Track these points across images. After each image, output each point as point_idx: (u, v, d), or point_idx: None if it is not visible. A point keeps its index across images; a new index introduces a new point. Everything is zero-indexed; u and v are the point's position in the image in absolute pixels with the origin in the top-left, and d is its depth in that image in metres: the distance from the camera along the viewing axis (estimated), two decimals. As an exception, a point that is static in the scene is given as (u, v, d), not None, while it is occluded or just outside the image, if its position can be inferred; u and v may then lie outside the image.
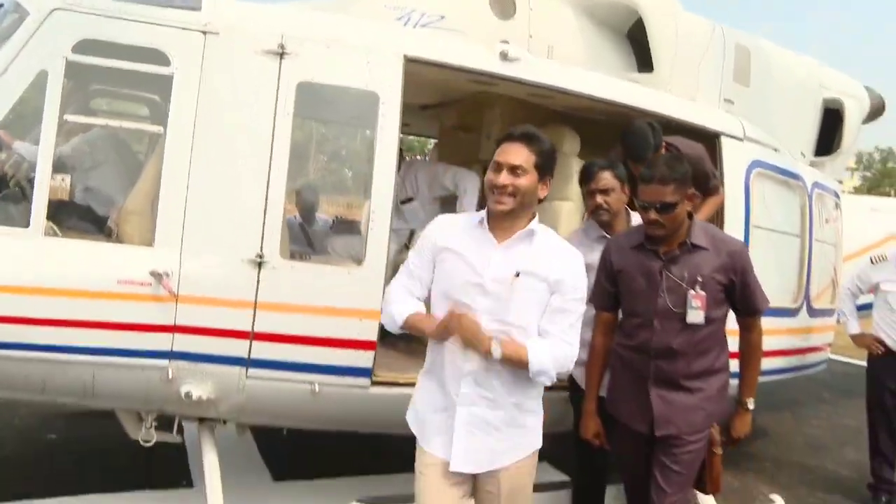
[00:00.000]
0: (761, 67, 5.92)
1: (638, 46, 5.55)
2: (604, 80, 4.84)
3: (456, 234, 2.95)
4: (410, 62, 4.03)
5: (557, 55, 5.07)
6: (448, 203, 5.72)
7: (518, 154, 2.85)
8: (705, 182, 4.62)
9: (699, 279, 3.43)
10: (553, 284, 2.89)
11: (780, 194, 5.67)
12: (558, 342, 2.91)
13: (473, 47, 4.41)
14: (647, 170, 3.47)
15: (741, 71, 5.77)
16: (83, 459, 5.24)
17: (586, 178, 4.05)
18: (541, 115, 5.32)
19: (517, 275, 2.84)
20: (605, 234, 4.02)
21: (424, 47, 4.18)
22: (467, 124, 6.34)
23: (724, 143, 5.12)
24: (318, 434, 5.12)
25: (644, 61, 5.43)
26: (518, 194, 2.84)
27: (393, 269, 3.67)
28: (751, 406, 3.74)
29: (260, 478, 5.20)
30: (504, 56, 4.32)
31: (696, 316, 3.42)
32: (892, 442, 5.44)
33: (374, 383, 4.04)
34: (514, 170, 2.83)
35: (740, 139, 5.27)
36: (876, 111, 7.33)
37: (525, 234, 2.91)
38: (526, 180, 2.85)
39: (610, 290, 3.68)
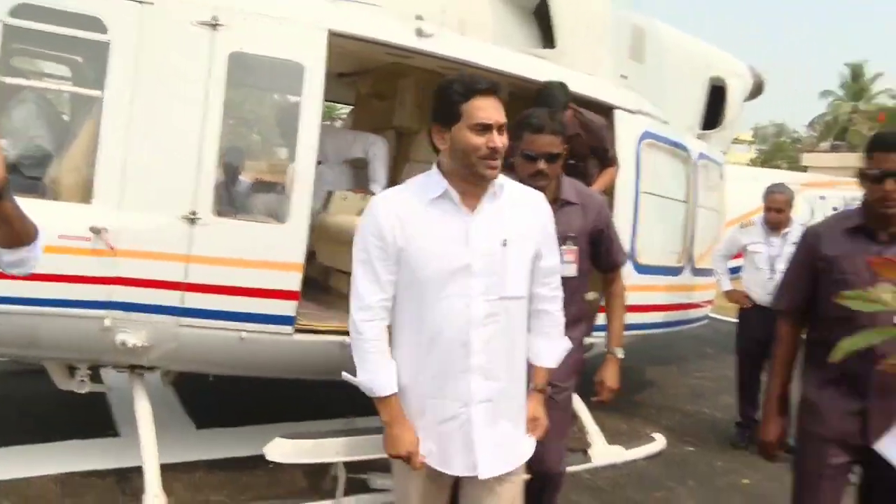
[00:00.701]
0: (655, 46, 6.43)
1: (543, 23, 5.94)
2: (510, 55, 5.23)
3: (414, 214, 2.49)
4: (334, 35, 4.32)
5: (469, 29, 5.41)
6: (358, 167, 6.05)
7: (500, 110, 2.47)
8: (604, 154, 5.05)
9: (571, 235, 3.46)
10: (540, 241, 2.65)
11: (668, 163, 6.21)
12: (559, 308, 2.79)
13: (391, 22, 4.72)
14: (536, 119, 3.36)
15: (636, 49, 6.27)
16: (5, 414, 5.41)
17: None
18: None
19: (504, 243, 2.51)
20: None
21: (347, 22, 4.47)
22: (382, 92, 6.67)
23: (618, 115, 5.61)
24: (238, 385, 5.45)
25: (548, 38, 5.83)
26: (501, 155, 2.50)
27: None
28: (620, 355, 3.69)
29: (184, 427, 5.51)
30: (419, 32, 4.67)
31: (569, 269, 3.40)
32: (756, 384, 6.05)
33: (297, 330, 4.37)
34: (501, 129, 2.47)
35: (633, 112, 5.77)
36: (757, 89, 7.96)
37: (494, 193, 2.54)
38: (506, 137, 2.52)
39: None
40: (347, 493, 4.40)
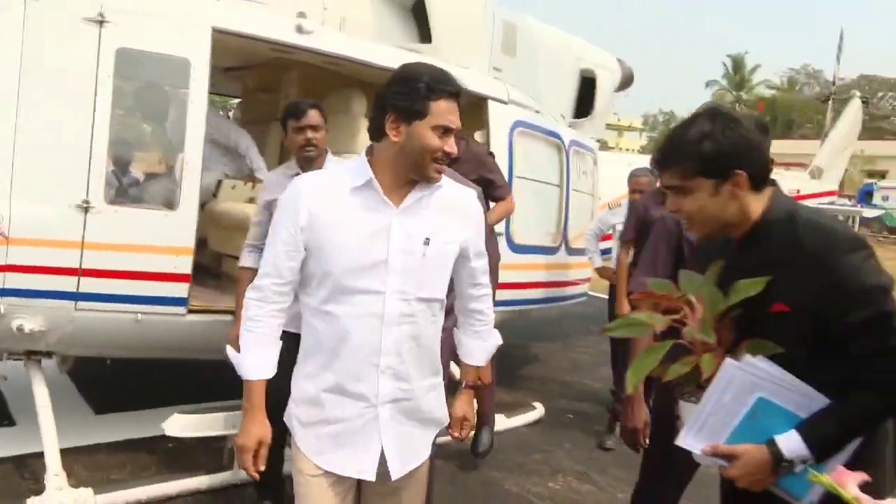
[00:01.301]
0: (526, 41, 6.86)
1: (420, 20, 6.29)
2: (386, 50, 5.55)
3: (334, 202, 2.38)
4: (218, 32, 4.55)
5: (350, 26, 5.72)
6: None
7: (458, 115, 2.39)
8: (492, 185, 5.13)
9: None
10: (469, 242, 2.54)
11: (541, 150, 6.68)
12: (490, 307, 2.75)
13: (274, 19, 4.98)
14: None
15: (509, 44, 6.68)
16: None
17: (295, 115, 4.03)
18: (333, 79, 5.99)
19: (427, 241, 2.40)
20: (299, 171, 3.97)
21: (230, 19, 4.70)
22: (268, 86, 6.90)
23: (491, 105, 6.03)
24: (134, 371, 5.61)
25: (425, 34, 6.17)
26: None
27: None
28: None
29: (82, 413, 5.64)
30: (300, 29, 4.94)
31: None
32: (626, 360, 6.51)
33: (190, 311, 4.61)
34: (458, 134, 2.42)
35: (505, 102, 6.20)
36: (626, 81, 8.53)
37: (425, 189, 2.42)
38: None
39: None
40: None
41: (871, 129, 56.39)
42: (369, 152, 2.43)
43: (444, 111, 2.30)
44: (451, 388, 2.79)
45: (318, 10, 5.52)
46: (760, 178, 2.11)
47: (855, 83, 60.44)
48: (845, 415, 1.99)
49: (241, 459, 2.45)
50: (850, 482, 1.55)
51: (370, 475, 2.44)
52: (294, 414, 2.51)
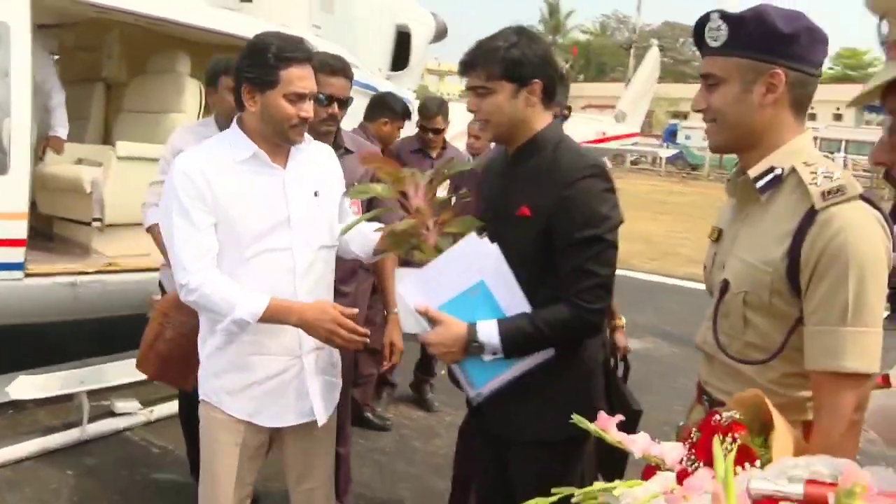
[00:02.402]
0: (344, -1, 7.17)
1: (240, -20, 6.43)
2: (204, 9, 5.67)
3: (225, 175, 2.45)
4: (36, -6, 4.53)
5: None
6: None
7: (313, 79, 2.49)
8: None
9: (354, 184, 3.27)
10: (340, 190, 2.75)
11: (359, 103, 7.01)
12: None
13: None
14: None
15: (326, 1, 6.96)
16: None
17: (230, 73, 3.76)
18: (157, 39, 6.08)
19: (316, 194, 2.57)
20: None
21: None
22: (88, 45, 6.82)
23: (312, 62, 6.28)
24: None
25: (246, -8, 6.35)
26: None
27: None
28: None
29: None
30: (121, -15, 5.00)
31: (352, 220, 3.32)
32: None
33: (27, 275, 4.64)
34: (312, 97, 2.50)
35: (325, 58, 6.47)
36: (440, 33, 8.99)
37: (298, 148, 2.59)
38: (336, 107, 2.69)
39: None
40: (92, 420, 4.68)
41: (675, 73, 60.07)
42: (240, 122, 2.54)
43: (295, 78, 2.39)
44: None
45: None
46: (552, 93, 2.32)
47: (659, 30, 63.97)
48: (539, 321, 2.20)
49: (340, 338, 2.44)
50: (611, 426, 1.66)
51: (309, 416, 2.60)
52: (218, 386, 2.58)
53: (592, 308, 2.22)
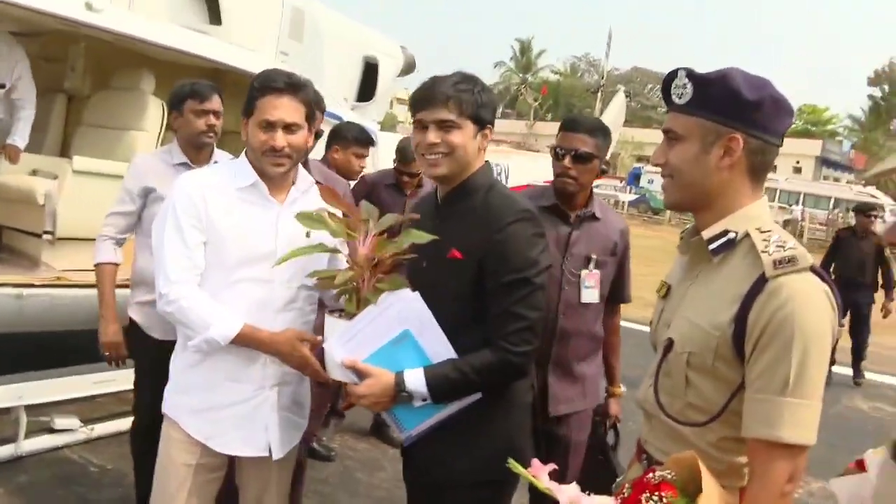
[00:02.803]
0: (313, 27, 7.20)
1: (211, 2, 6.45)
2: (175, 30, 5.68)
3: (223, 199, 2.53)
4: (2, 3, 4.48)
5: (138, 4, 5.79)
6: None
7: (291, 109, 2.50)
8: None
9: (593, 256, 3.28)
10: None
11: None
12: None
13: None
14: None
15: (296, 28, 7.00)
16: None
17: (198, 96, 3.67)
18: (122, 55, 6.06)
19: (308, 234, 2.50)
20: (186, 160, 3.70)
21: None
22: (52, 55, 6.78)
23: (277, 88, 6.31)
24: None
25: (216, 16, 6.35)
26: (294, 154, 2.55)
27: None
28: (623, 390, 3.68)
29: None
30: (89, 6, 4.97)
31: (590, 296, 3.28)
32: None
33: None
34: (290, 128, 2.50)
35: (291, 86, 6.50)
36: (409, 67, 9.08)
37: (303, 188, 2.67)
38: (301, 137, 2.56)
39: None
40: (29, 436, 4.59)
41: (642, 117, 61.01)
42: (246, 153, 2.61)
43: (267, 106, 2.47)
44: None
45: (108, -14, 5.58)
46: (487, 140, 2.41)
47: (628, 74, 65.04)
48: (466, 366, 2.23)
49: (312, 367, 2.50)
50: (542, 474, 1.67)
51: (264, 451, 2.60)
52: (183, 403, 2.62)
53: (518, 351, 2.25)
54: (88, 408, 4.90)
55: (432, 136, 2.32)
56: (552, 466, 1.73)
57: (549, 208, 3.19)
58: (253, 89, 2.51)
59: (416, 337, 2.27)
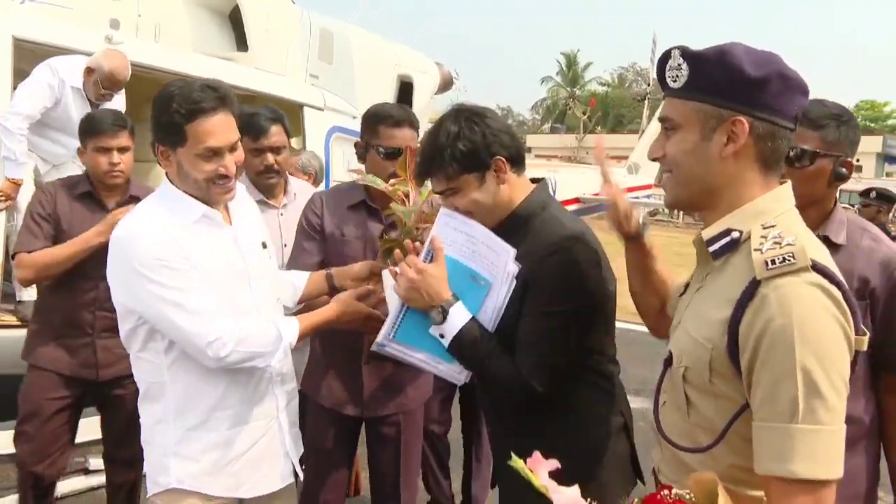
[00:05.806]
0: (343, 48, 7.11)
1: (237, 28, 6.43)
2: (200, 59, 5.65)
3: (185, 236, 2.21)
4: (19, 42, 4.50)
5: (164, 34, 5.78)
6: None
7: (229, 126, 2.23)
8: None
9: None
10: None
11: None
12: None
13: (81, 29, 4.96)
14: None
15: (325, 50, 6.92)
16: None
17: (253, 132, 3.26)
18: (149, 86, 6.01)
19: (264, 245, 2.43)
20: (263, 197, 3.42)
21: (33, 27, 4.66)
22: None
23: (307, 112, 6.26)
24: None
25: (242, 42, 6.33)
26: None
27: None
28: None
29: None
30: (109, 40, 4.96)
31: None
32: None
33: None
34: (234, 147, 2.26)
35: (321, 109, 6.43)
36: (446, 84, 8.92)
37: (238, 202, 2.43)
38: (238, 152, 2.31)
39: None
40: (64, 476, 4.34)
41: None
42: (181, 182, 2.28)
43: (205, 133, 2.15)
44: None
45: (132, 18, 5.55)
46: (517, 159, 2.23)
47: (676, 81, 64.16)
48: (493, 355, 2.12)
49: (375, 321, 2.44)
50: (541, 469, 1.51)
51: (290, 478, 2.49)
52: (196, 469, 2.31)
53: (531, 385, 2.10)
54: None
55: (447, 203, 2.24)
56: (554, 463, 1.49)
57: None
58: (174, 114, 2.12)
59: (489, 293, 2.15)
